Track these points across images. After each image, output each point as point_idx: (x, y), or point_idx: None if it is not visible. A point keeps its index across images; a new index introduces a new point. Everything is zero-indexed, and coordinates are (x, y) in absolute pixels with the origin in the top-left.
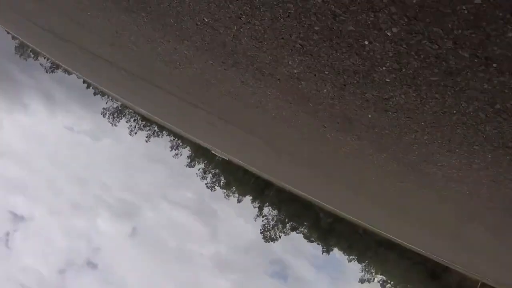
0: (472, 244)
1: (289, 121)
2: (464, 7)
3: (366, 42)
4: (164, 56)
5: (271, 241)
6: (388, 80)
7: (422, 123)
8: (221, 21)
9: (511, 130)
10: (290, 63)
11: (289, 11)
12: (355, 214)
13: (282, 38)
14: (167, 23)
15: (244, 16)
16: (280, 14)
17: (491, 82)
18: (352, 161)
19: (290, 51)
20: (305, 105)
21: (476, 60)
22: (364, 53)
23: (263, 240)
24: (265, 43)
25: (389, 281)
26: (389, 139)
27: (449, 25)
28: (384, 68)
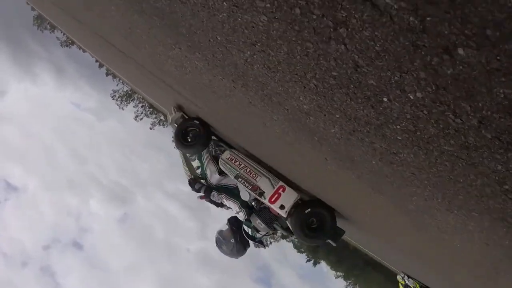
0: (459, 285)
1: (292, 145)
2: (501, 91)
3: (385, 99)
4: (175, 61)
5: (261, 247)
6: (400, 138)
7: (425, 182)
8: (235, 43)
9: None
10: (301, 98)
11: (307, 50)
12: (349, 235)
13: (297, 74)
14: (179, 33)
15: (259, 44)
16: (297, 51)
17: (506, 166)
18: (350, 195)
19: (303, 88)
20: (310, 137)
21: (497, 143)
22: (381, 108)
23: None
24: (278, 75)
25: None
26: (390, 186)
27: (480, 104)
28: (398, 126)
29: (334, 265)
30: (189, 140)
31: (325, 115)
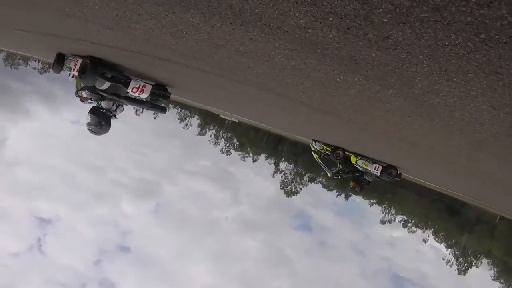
0: (484, 175)
1: (299, 70)
2: None
3: None
4: (169, 28)
5: (293, 195)
6: (386, 20)
7: (420, 57)
8: None
9: (498, 57)
10: (296, 14)
11: None
12: (369, 155)
13: None
14: None
15: None
16: None
17: (473, 15)
18: (361, 101)
19: (296, 3)
20: (313, 51)
21: None
22: None
23: (284, 195)
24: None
25: (410, 220)
26: (393, 74)
27: None
28: (380, 9)
29: (365, 194)
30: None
31: (320, 22)
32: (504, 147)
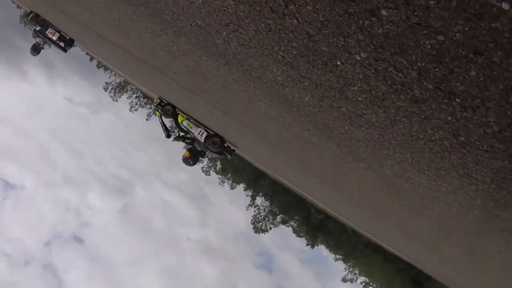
0: (449, 259)
1: (278, 120)
2: (427, 42)
3: (339, 63)
4: (164, 47)
5: (261, 232)
6: (360, 99)
7: (393, 142)
8: (212, 26)
9: (474, 163)
10: (274, 70)
11: (270, 26)
12: (342, 214)
13: (266, 48)
14: (165, 20)
15: (231, 25)
16: (262, 28)
17: (455, 115)
18: (335, 165)
19: (274, 60)
20: (290, 109)
21: (439, 93)
22: (338, 72)
23: (253, 231)
24: (252, 50)
25: (371, 284)
26: (365, 151)
27: (413, 57)
28: (356, 87)
29: (333, 248)
30: None
31: (296, 84)
32: (470, 243)
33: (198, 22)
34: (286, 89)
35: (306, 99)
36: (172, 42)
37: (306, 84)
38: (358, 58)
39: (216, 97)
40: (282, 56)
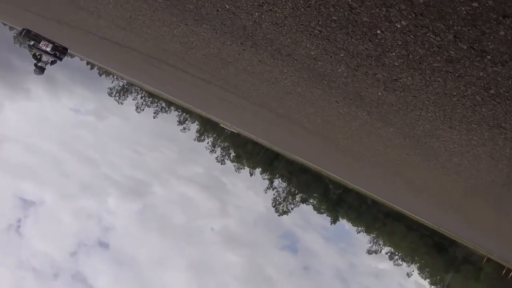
0: (475, 218)
1: (304, 96)
2: (463, 8)
3: (379, 32)
4: (180, 38)
5: (284, 214)
6: (397, 64)
7: (426, 102)
8: (243, 8)
9: (504, 113)
10: (308, 45)
11: (309, 2)
12: (363, 185)
13: (302, 25)
14: (187, 9)
15: (266, 5)
16: (301, 4)
17: (486, 71)
18: (362, 135)
19: (309, 35)
20: (320, 82)
21: (473, 52)
22: (377, 40)
23: (276, 214)
24: (285, 28)
25: (396, 253)
26: (397, 114)
27: (450, 22)
28: (393, 53)
29: (355, 221)
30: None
31: (331, 56)
32: (499, 196)
33: (227, 6)
34: (319, 62)
35: (340, 70)
36: (191, 32)
37: (342, 55)
38: (398, 26)
39: (234, 82)
40: (319, 31)
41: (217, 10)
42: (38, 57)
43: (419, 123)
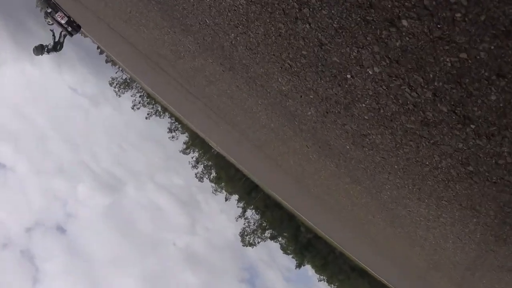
0: None
1: (277, 133)
2: (448, 59)
3: (349, 76)
4: (170, 45)
5: (249, 246)
6: (367, 118)
7: (395, 167)
8: (221, 26)
9: (480, 195)
10: (279, 80)
11: (280, 30)
12: (331, 235)
13: (274, 55)
14: (174, 16)
15: (240, 26)
16: (272, 32)
17: (466, 143)
18: (331, 186)
19: (280, 68)
20: (291, 122)
21: (454, 117)
22: (346, 86)
23: (241, 243)
24: (258, 56)
25: None
26: (364, 173)
27: (430, 75)
28: (363, 105)
29: (319, 269)
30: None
31: (301, 96)
32: (462, 278)
33: (207, 21)
34: (290, 100)
35: (310, 113)
36: (179, 41)
37: (311, 97)
38: (370, 72)
39: (217, 103)
40: (290, 65)
41: (199, 24)
42: (46, 50)
43: (386, 187)
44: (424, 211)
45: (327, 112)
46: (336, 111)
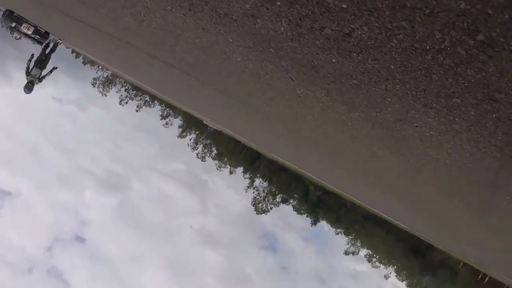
0: (453, 222)
1: (258, 75)
2: None
3: None
4: (129, 8)
5: (263, 213)
6: (345, 6)
7: (392, 68)
8: None
9: (498, 75)
10: None
11: None
12: (338, 187)
13: None
14: None
15: None
16: None
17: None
18: (326, 122)
19: None
20: (268, 51)
21: None
22: None
23: (254, 212)
24: None
25: (374, 255)
26: (359, 92)
27: None
28: None
29: (334, 223)
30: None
31: (267, 8)
32: (481, 199)
33: None
34: (258, 20)
35: (282, 28)
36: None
37: (278, 3)
38: None
39: (192, 62)
40: None
41: None
42: (36, 81)
43: (386, 102)
44: (433, 121)
45: (300, 19)
46: (310, 12)
